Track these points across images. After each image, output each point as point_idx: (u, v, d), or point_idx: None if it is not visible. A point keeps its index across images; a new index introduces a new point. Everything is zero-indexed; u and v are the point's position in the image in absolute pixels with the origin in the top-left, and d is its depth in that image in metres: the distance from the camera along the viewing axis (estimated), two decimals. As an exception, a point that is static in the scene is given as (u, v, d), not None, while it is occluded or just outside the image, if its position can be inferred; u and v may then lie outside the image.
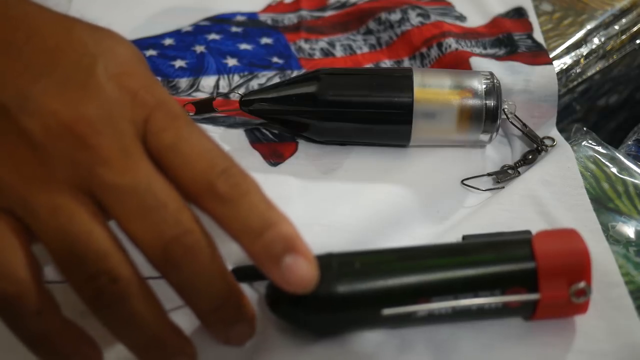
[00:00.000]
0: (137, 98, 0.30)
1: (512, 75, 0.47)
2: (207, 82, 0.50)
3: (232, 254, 0.39)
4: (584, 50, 0.51)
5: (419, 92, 0.43)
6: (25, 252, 0.29)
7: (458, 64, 0.48)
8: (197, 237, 0.29)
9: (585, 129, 0.46)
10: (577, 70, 0.51)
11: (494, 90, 0.43)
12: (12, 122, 0.29)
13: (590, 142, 0.45)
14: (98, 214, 0.29)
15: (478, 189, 0.44)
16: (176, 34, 0.53)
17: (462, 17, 0.54)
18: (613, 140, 0.47)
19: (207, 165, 0.30)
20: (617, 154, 0.44)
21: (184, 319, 0.33)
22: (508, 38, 0.51)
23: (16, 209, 0.29)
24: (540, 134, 0.46)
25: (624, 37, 0.52)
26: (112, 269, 0.28)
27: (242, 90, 0.48)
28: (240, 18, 0.55)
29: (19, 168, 0.29)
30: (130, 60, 0.32)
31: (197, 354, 0.33)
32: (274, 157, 0.45)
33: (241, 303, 0.32)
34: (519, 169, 0.45)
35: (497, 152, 0.47)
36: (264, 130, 0.47)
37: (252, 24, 0.54)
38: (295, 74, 0.50)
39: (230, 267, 0.36)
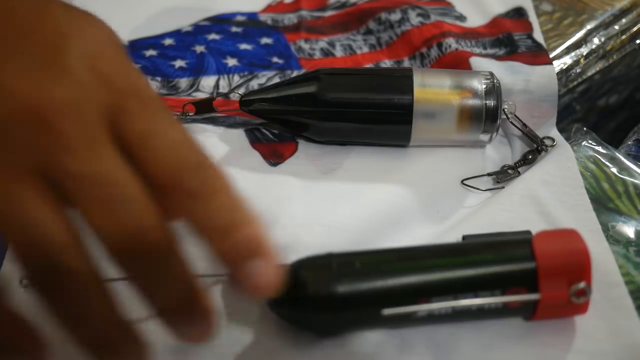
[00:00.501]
0: (109, 82, 0.29)
1: (512, 75, 0.47)
2: (207, 82, 0.50)
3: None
4: (584, 50, 0.51)
5: (419, 92, 0.43)
6: None
7: (458, 64, 0.48)
8: (160, 232, 0.28)
9: (585, 129, 0.46)
10: (577, 70, 0.51)
11: (494, 90, 0.43)
12: None
13: (590, 142, 0.45)
14: (56, 203, 0.27)
15: (478, 189, 0.44)
16: (176, 34, 0.53)
17: (462, 17, 0.54)
18: (613, 140, 0.47)
19: (178, 159, 0.28)
20: (617, 154, 0.44)
21: None
22: (508, 38, 0.51)
23: None
24: (540, 134, 0.46)
25: (624, 37, 0.52)
26: (66, 262, 0.27)
27: (242, 90, 0.48)
28: (240, 18, 0.55)
29: None
30: (104, 43, 0.31)
31: (149, 356, 0.31)
32: (274, 157, 0.45)
33: (202, 302, 0.31)
34: (519, 169, 0.45)
35: (497, 152, 0.47)
36: (264, 130, 0.47)
37: (252, 24, 0.54)
38: (295, 74, 0.50)
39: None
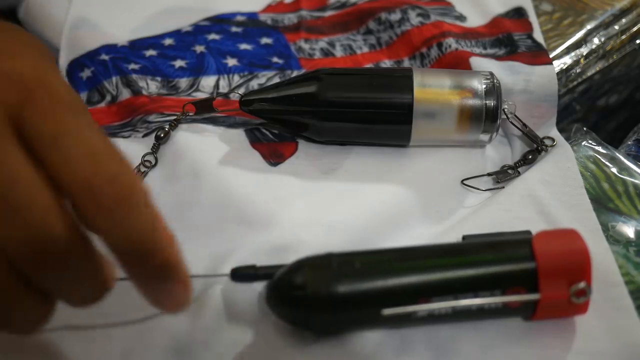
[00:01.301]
0: (20, 80, 0.27)
1: (512, 75, 0.47)
2: (207, 82, 0.50)
3: (230, 256, 0.39)
4: (584, 50, 0.51)
5: (419, 92, 0.43)
6: None
7: (458, 64, 0.48)
8: (64, 244, 0.25)
9: (585, 129, 0.46)
10: (577, 70, 0.51)
11: (494, 90, 0.43)
12: None
13: (590, 142, 0.45)
14: None
15: (478, 189, 0.44)
16: (176, 34, 0.53)
17: (462, 17, 0.54)
18: (613, 140, 0.47)
19: (92, 168, 0.26)
20: (617, 154, 0.44)
21: None
22: (508, 38, 0.51)
23: None
24: (540, 134, 0.46)
25: (624, 37, 0.52)
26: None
27: (242, 90, 0.48)
28: (240, 18, 0.55)
29: None
30: (17, 43, 0.29)
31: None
32: (274, 157, 0.45)
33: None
34: (519, 169, 0.45)
35: (497, 152, 0.47)
36: (264, 130, 0.47)
37: (252, 24, 0.54)
38: (295, 74, 0.50)
39: (228, 269, 0.36)
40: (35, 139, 0.26)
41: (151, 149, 0.45)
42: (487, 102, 0.43)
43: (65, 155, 0.26)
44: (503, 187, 0.44)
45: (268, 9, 0.56)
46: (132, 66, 0.50)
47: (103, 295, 0.29)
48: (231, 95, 0.48)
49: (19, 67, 0.27)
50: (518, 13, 0.54)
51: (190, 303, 0.30)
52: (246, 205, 0.41)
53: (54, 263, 0.26)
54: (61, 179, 0.26)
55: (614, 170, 0.43)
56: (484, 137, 0.44)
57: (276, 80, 0.50)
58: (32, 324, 0.29)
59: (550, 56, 0.50)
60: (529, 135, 0.46)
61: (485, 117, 0.43)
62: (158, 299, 0.29)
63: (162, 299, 0.29)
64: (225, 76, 0.50)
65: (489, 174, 0.44)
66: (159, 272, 0.27)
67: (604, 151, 0.45)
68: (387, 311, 0.33)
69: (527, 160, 0.45)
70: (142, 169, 0.44)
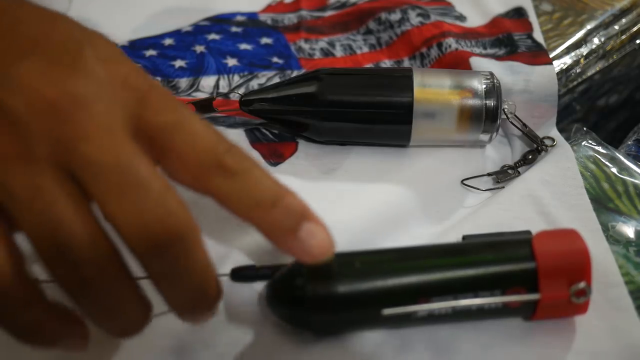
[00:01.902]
0: (128, 81, 0.29)
1: (512, 75, 0.47)
2: (207, 82, 0.50)
3: (230, 256, 0.39)
4: (584, 50, 0.51)
5: (419, 92, 0.43)
6: (6, 242, 0.27)
7: (458, 64, 0.48)
8: (181, 219, 0.28)
9: (585, 129, 0.46)
10: (577, 70, 0.51)
11: (494, 90, 0.43)
12: None
13: (590, 142, 0.45)
14: (81, 196, 0.27)
15: (478, 189, 0.44)
16: (176, 34, 0.53)
17: (462, 17, 0.54)
18: (613, 140, 0.47)
19: (211, 143, 0.29)
20: (617, 154, 0.44)
21: None
22: (508, 38, 0.51)
23: None
24: (540, 134, 0.46)
25: (624, 37, 0.52)
26: (97, 257, 0.27)
27: (242, 90, 0.48)
28: (240, 18, 0.55)
29: None
30: (116, 51, 0.31)
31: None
32: (274, 157, 0.45)
33: (216, 293, 0.31)
34: (519, 169, 0.45)
35: (497, 152, 0.47)
36: (264, 130, 0.47)
37: (252, 24, 0.54)
38: (295, 74, 0.50)
39: (228, 269, 0.36)
40: (153, 130, 0.29)
41: (151, 149, 0.45)
42: (487, 102, 0.43)
43: (188, 136, 0.29)
44: (503, 187, 0.44)
45: (268, 9, 0.56)
46: (132, 66, 0.50)
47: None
48: (231, 95, 0.48)
49: (122, 70, 0.30)
50: (518, 13, 0.54)
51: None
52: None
53: (170, 238, 0.28)
54: (185, 156, 0.29)
55: (614, 170, 0.43)
56: (484, 137, 0.44)
57: (276, 80, 0.50)
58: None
59: (550, 56, 0.50)
60: (529, 135, 0.46)
61: (485, 117, 0.43)
62: (303, 247, 0.30)
63: (311, 241, 0.30)
64: (225, 76, 0.50)
65: (489, 174, 0.44)
66: (293, 213, 0.30)
67: (604, 151, 0.45)
68: (387, 311, 0.33)
69: (527, 160, 0.45)
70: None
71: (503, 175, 0.44)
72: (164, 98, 0.30)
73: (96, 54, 0.29)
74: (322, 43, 0.53)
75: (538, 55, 0.49)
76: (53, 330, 0.29)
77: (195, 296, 0.30)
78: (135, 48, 0.51)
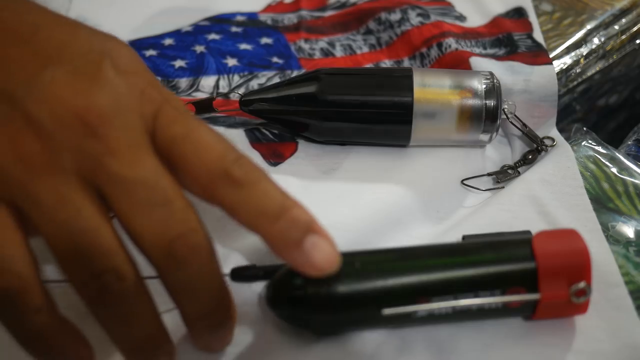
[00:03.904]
0: (145, 94, 0.30)
1: (512, 75, 0.47)
2: (207, 82, 0.50)
3: (230, 256, 0.39)
4: (584, 50, 0.51)
5: (419, 92, 0.43)
6: (27, 246, 0.28)
7: (458, 64, 0.48)
8: (201, 236, 0.29)
9: (585, 129, 0.46)
10: (577, 70, 0.51)
11: (494, 90, 0.43)
12: (18, 108, 0.28)
13: (590, 142, 0.45)
14: (103, 208, 0.28)
15: (478, 189, 0.44)
16: (176, 34, 0.53)
17: (462, 17, 0.54)
18: (613, 140, 0.47)
19: (220, 153, 0.30)
20: (617, 154, 0.44)
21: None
22: (508, 38, 0.51)
23: (18, 199, 0.27)
24: (540, 134, 0.46)
25: (623, 37, 0.52)
26: (118, 266, 0.28)
27: (242, 90, 0.48)
28: (240, 18, 0.55)
29: (24, 156, 0.27)
30: (134, 61, 0.32)
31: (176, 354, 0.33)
32: (274, 157, 0.45)
33: (231, 308, 0.32)
34: (519, 169, 0.45)
35: (497, 152, 0.47)
36: (264, 130, 0.47)
37: (252, 24, 0.54)
38: (295, 74, 0.50)
39: (228, 269, 0.36)
40: (166, 142, 0.29)
41: (151, 149, 0.45)
42: (487, 102, 0.43)
43: (196, 146, 0.30)
44: (503, 187, 0.44)
45: (268, 9, 0.56)
46: (132, 66, 0.50)
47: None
48: (231, 95, 0.48)
49: (140, 82, 0.30)
50: (518, 13, 0.54)
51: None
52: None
53: (191, 253, 0.29)
54: (193, 167, 0.29)
55: (614, 170, 0.43)
56: (484, 137, 0.44)
57: (276, 80, 0.50)
58: None
59: (550, 56, 0.50)
60: (529, 135, 0.46)
61: (485, 117, 0.43)
62: (308, 260, 0.30)
63: (315, 255, 0.30)
64: (225, 76, 0.50)
65: (489, 174, 0.44)
66: (299, 225, 0.30)
67: (604, 151, 0.45)
68: (387, 311, 0.33)
69: (527, 160, 0.45)
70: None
71: (503, 175, 0.44)
72: (175, 110, 0.30)
73: (116, 65, 0.30)
74: (322, 43, 0.53)
75: (538, 55, 0.49)
76: (59, 343, 0.30)
77: (212, 309, 0.31)
78: (135, 48, 0.51)
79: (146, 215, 0.28)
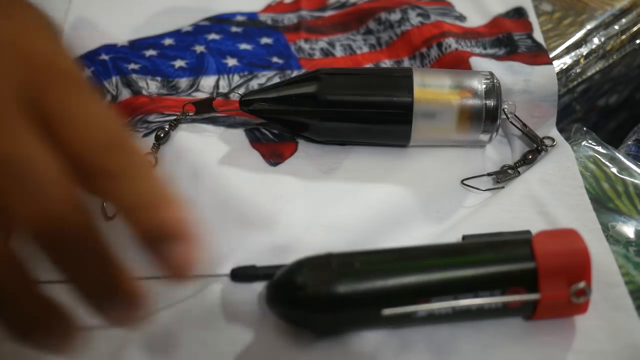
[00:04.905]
0: (28, 60, 0.28)
1: (512, 75, 0.47)
2: (207, 82, 0.50)
3: (230, 256, 0.39)
4: (584, 50, 0.51)
5: (418, 92, 0.43)
6: None
7: (458, 64, 0.48)
8: (79, 215, 0.27)
9: (585, 129, 0.46)
10: (577, 70, 0.51)
11: (494, 90, 0.43)
12: None
13: (590, 142, 0.45)
14: None
15: (478, 189, 0.44)
16: (176, 34, 0.53)
17: (462, 17, 0.54)
18: (613, 140, 0.47)
19: (95, 137, 0.27)
20: (617, 154, 0.44)
21: None
22: (508, 38, 0.51)
23: None
24: (540, 134, 0.46)
25: (623, 37, 0.52)
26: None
27: (242, 90, 0.48)
28: (240, 18, 0.55)
29: None
30: (31, 24, 0.30)
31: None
32: (274, 157, 0.45)
33: (127, 285, 0.29)
34: (519, 169, 0.45)
35: (497, 152, 0.47)
36: (264, 130, 0.47)
37: (252, 24, 0.54)
38: (295, 74, 0.50)
39: (228, 269, 0.36)
40: (45, 115, 0.27)
41: (151, 149, 0.45)
42: (487, 102, 0.43)
43: (71, 128, 0.27)
44: (503, 187, 0.44)
45: (268, 9, 0.56)
46: (132, 66, 0.50)
47: (119, 298, 0.29)
48: (231, 95, 0.48)
49: (29, 47, 0.28)
50: (518, 13, 0.54)
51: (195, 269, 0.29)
52: (246, 205, 0.41)
53: (72, 237, 0.27)
54: (69, 150, 0.27)
55: (614, 170, 0.43)
56: (484, 137, 0.44)
57: (276, 80, 0.50)
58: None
59: (550, 56, 0.50)
60: (529, 135, 0.46)
61: (485, 117, 0.43)
62: (162, 261, 0.28)
63: (170, 263, 0.28)
64: (225, 76, 0.50)
65: (489, 174, 0.44)
66: (165, 228, 0.28)
67: (604, 151, 0.45)
68: (387, 311, 0.33)
69: (527, 160, 0.45)
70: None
71: (503, 175, 0.44)
72: (59, 81, 0.28)
73: (4, 30, 0.28)
74: (322, 43, 0.53)
75: (538, 55, 0.49)
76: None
77: (101, 286, 0.28)
78: (135, 48, 0.51)
79: (17, 195, 0.26)
